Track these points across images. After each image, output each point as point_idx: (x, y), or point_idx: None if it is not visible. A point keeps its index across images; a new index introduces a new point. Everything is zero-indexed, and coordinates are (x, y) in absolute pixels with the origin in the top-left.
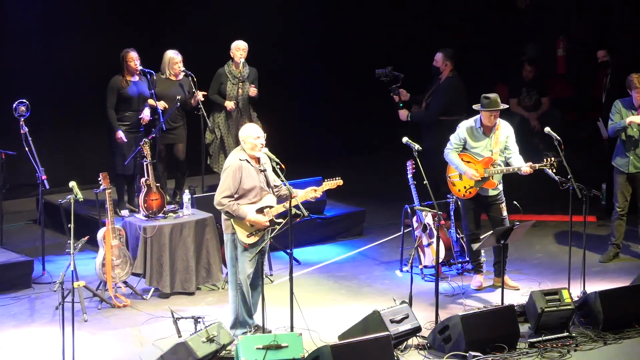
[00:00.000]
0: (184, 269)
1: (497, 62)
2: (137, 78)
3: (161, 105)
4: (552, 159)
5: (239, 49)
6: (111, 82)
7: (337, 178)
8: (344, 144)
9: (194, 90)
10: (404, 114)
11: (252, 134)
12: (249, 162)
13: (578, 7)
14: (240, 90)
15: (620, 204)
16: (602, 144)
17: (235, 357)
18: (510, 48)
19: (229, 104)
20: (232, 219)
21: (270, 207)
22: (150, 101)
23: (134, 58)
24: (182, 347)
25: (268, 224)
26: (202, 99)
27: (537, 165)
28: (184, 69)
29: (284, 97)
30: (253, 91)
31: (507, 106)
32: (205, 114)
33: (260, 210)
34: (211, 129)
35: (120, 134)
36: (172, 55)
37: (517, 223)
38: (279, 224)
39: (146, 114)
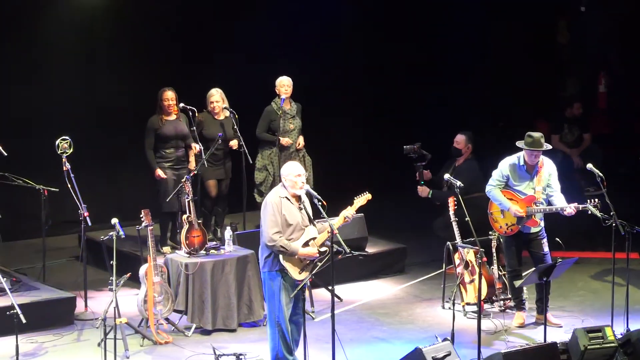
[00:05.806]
0: (226, 305)
1: (537, 98)
2: (174, 117)
3: (195, 149)
4: (597, 200)
5: (284, 85)
6: (148, 123)
7: (366, 193)
8: (385, 179)
9: (236, 127)
10: (424, 191)
11: (293, 171)
12: (289, 200)
13: (618, 43)
14: (291, 125)
15: None
16: None
17: None
18: (551, 84)
19: (286, 140)
20: (282, 256)
21: (314, 238)
22: (194, 145)
23: (168, 98)
24: None
25: (318, 254)
26: (235, 147)
27: (580, 206)
28: (226, 106)
29: (323, 131)
30: (286, 141)
31: (551, 147)
32: (247, 151)
33: (305, 244)
34: (260, 168)
35: (159, 172)
36: (211, 92)
37: (560, 260)
38: (320, 260)
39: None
